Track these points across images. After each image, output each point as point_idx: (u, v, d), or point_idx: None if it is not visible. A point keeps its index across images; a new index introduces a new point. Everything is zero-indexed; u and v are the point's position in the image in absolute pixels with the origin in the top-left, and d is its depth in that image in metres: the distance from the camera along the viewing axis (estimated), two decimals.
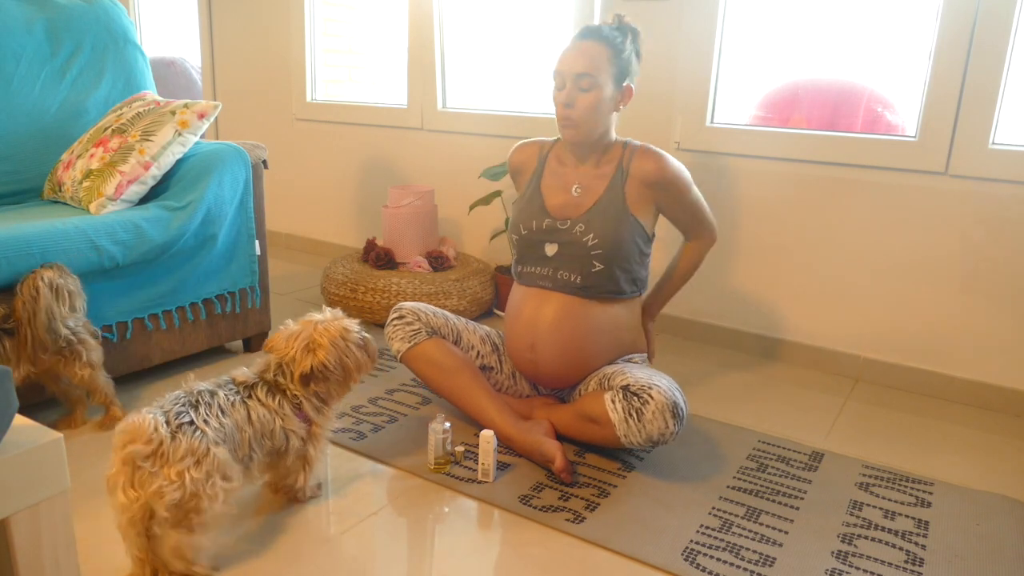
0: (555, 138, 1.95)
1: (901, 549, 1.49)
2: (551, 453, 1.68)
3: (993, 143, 2.08)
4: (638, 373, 1.70)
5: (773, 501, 1.65)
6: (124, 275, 1.98)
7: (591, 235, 1.77)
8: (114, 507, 1.23)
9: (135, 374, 2.16)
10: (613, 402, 1.66)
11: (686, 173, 1.84)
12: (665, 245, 2.58)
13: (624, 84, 1.78)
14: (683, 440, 1.91)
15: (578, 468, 1.75)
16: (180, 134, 2.13)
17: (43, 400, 1.91)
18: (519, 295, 1.89)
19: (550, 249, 1.82)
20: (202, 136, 2.25)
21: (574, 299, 1.80)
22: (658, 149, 1.82)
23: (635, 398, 1.63)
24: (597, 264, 1.78)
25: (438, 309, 1.95)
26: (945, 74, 2.09)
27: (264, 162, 2.33)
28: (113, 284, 1.97)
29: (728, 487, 1.70)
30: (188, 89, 4.35)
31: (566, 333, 1.79)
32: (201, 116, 2.17)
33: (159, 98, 2.29)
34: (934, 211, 2.19)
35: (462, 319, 1.97)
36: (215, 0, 3.73)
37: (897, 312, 2.30)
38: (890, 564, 1.45)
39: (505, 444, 1.81)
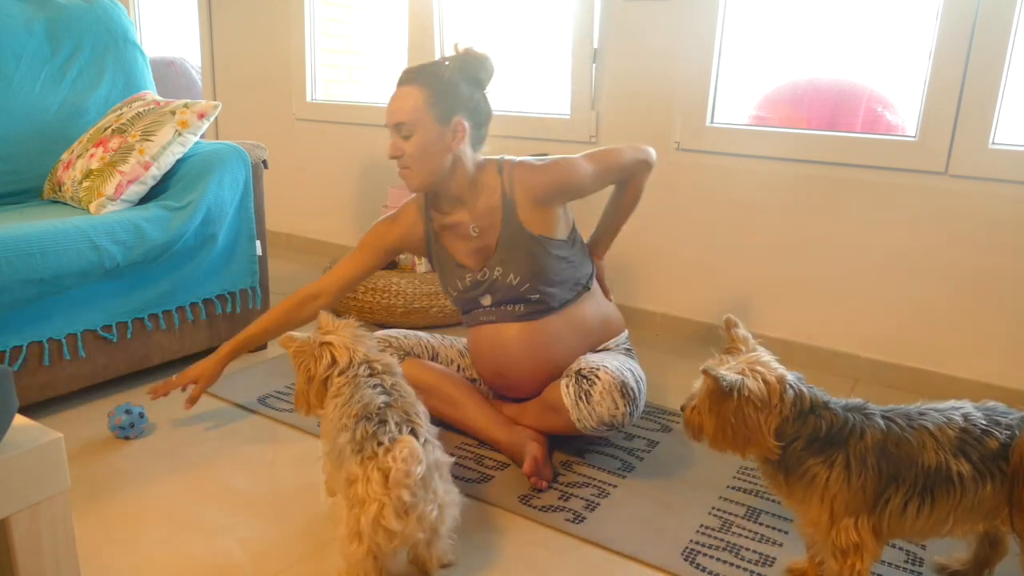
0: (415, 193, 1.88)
1: (901, 549, 1.49)
2: (521, 455, 1.69)
3: (993, 143, 2.08)
4: (593, 358, 1.69)
5: (773, 501, 1.65)
6: (124, 275, 1.99)
7: (511, 275, 1.74)
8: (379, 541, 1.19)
9: (135, 374, 2.16)
10: (567, 387, 1.66)
11: (564, 159, 1.75)
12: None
13: (453, 120, 1.67)
14: (683, 440, 1.91)
15: (577, 468, 1.75)
16: (180, 134, 2.13)
17: (43, 400, 1.91)
18: (474, 332, 1.85)
19: (486, 300, 1.79)
20: (202, 136, 2.25)
21: (524, 322, 1.77)
22: (528, 158, 1.76)
23: (584, 380, 1.64)
24: (532, 295, 1.75)
25: (410, 332, 1.93)
26: (945, 74, 2.09)
27: (264, 162, 2.33)
28: (113, 284, 1.97)
29: (728, 487, 1.70)
30: (188, 89, 4.35)
31: (528, 351, 1.76)
32: (201, 116, 2.17)
33: (159, 98, 2.29)
34: (934, 211, 2.19)
35: (437, 335, 1.96)
36: (215, 0, 3.73)
37: (897, 312, 2.30)
38: (890, 564, 1.45)
39: (493, 447, 1.81)
